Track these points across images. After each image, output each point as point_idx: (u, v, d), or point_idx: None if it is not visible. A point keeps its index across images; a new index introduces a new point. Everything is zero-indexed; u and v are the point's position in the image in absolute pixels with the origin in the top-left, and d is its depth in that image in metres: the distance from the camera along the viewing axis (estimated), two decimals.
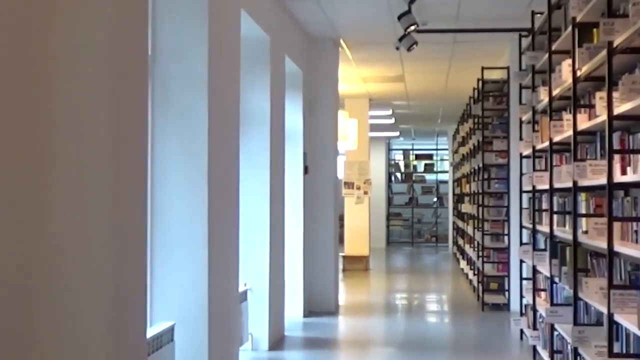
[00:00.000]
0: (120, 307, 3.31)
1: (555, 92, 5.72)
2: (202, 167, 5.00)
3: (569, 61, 5.12)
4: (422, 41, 8.43)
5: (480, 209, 10.07)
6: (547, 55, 6.00)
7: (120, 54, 3.39)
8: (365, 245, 14.77)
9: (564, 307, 5.71)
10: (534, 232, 6.89)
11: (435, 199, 23.01)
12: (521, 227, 7.72)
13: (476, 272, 10.76)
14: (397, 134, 20.63)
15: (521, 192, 7.75)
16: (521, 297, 7.66)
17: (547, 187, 6.25)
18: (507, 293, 9.55)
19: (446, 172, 22.20)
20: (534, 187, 6.77)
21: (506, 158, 9.55)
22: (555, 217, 6.04)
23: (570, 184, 5.08)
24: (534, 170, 6.84)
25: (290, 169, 8.77)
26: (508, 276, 9.50)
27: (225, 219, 5.45)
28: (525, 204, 7.70)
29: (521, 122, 7.70)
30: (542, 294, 6.87)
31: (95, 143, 3.15)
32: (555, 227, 5.99)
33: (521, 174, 7.70)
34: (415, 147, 23.46)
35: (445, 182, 22.03)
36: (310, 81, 9.37)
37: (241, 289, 6.64)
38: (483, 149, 9.80)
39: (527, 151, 7.26)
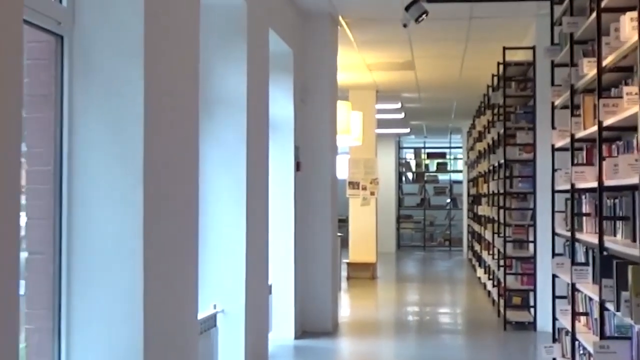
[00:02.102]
0: None
1: (607, 61, 4.39)
2: (136, 158, 3.71)
3: (632, 14, 3.80)
4: (434, 17, 7.14)
5: (501, 211, 8.73)
6: (593, 17, 4.67)
7: None
8: (372, 251, 13.44)
9: (619, 340, 4.39)
10: (573, 241, 5.56)
11: (448, 200, 21.68)
12: (554, 234, 6.38)
13: (496, 284, 9.43)
14: (408, 130, 19.31)
15: (553, 191, 6.40)
16: (554, 319, 6.32)
17: (591, 185, 4.93)
18: (532, 310, 8.21)
19: (460, 171, 20.93)
20: (572, 185, 5.45)
21: (532, 152, 8.22)
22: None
23: (634, 180, 3.76)
24: (573, 164, 5.51)
25: (278, 164, 7.53)
26: (534, 290, 8.17)
27: (174, 226, 4.16)
28: (558, 206, 6.36)
29: (554, 108, 6.37)
30: (582, 318, 5.55)
31: None
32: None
33: (553, 170, 6.36)
34: (427, 145, 22.14)
35: (460, 182, 20.74)
36: (304, 64, 8.07)
37: (208, 312, 5.37)
38: (505, 142, 8.46)
39: (562, 142, 5.94)
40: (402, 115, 15.91)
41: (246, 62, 5.80)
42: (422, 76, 11.78)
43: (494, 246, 9.75)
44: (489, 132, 10.64)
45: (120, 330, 3.69)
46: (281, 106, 7.59)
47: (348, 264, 13.23)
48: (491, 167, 10.27)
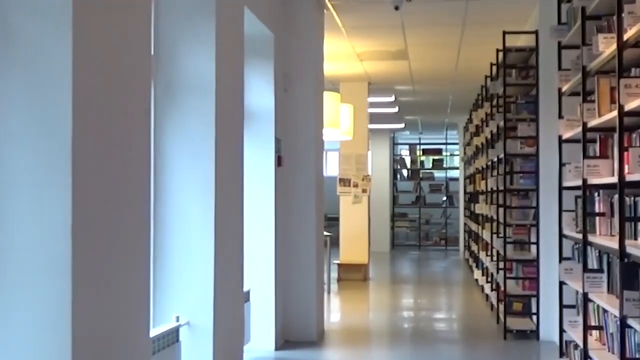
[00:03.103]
0: None
1: (630, 34, 3.73)
2: (62, 146, 3.06)
3: None
4: None
5: (501, 210, 8.08)
6: None
7: None
8: (364, 251, 12.78)
9: None
10: (585, 244, 4.91)
11: (444, 198, 21.03)
12: (561, 236, 5.73)
13: (494, 287, 8.78)
14: (402, 125, 18.66)
15: (561, 188, 5.76)
16: (561, 330, 5.68)
17: (608, 180, 4.29)
18: (535, 317, 7.56)
19: (456, 168, 20.30)
20: (584, 181, 4.80)
21: (534, 146, 7.57)
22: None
23: None
24: (585, 157, 4.86)
25: (257, 158, 6.90)
26: (537, 296, 7.52)
27: (116, 227, 3.50)
28: (566, 205, 5.71)
29: (561, 95, 5.72)
30: (594, 332, 4.90)
31: None
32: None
33: (561, 165, 5.72)
34: (422, 141, 21.48)
35: (456, 179, 20.09)
36: (286, 49, 7.41)
37: (169, 326, 4.71)
38: (505, 135, 7.79)
39: (571, 133, 5.30)
40: (395, 109, 15.27)
41: (215, 44, 5.13)
42: (416, 67, 11.13)
43: (492, 247, 9.10)
44: (487, 126, 9.99)
45: (44, 355, 3.04)
46: (261, 95, 6.94)
47: (339, 265, 12.59)
48: (489, 163, 9.61)
